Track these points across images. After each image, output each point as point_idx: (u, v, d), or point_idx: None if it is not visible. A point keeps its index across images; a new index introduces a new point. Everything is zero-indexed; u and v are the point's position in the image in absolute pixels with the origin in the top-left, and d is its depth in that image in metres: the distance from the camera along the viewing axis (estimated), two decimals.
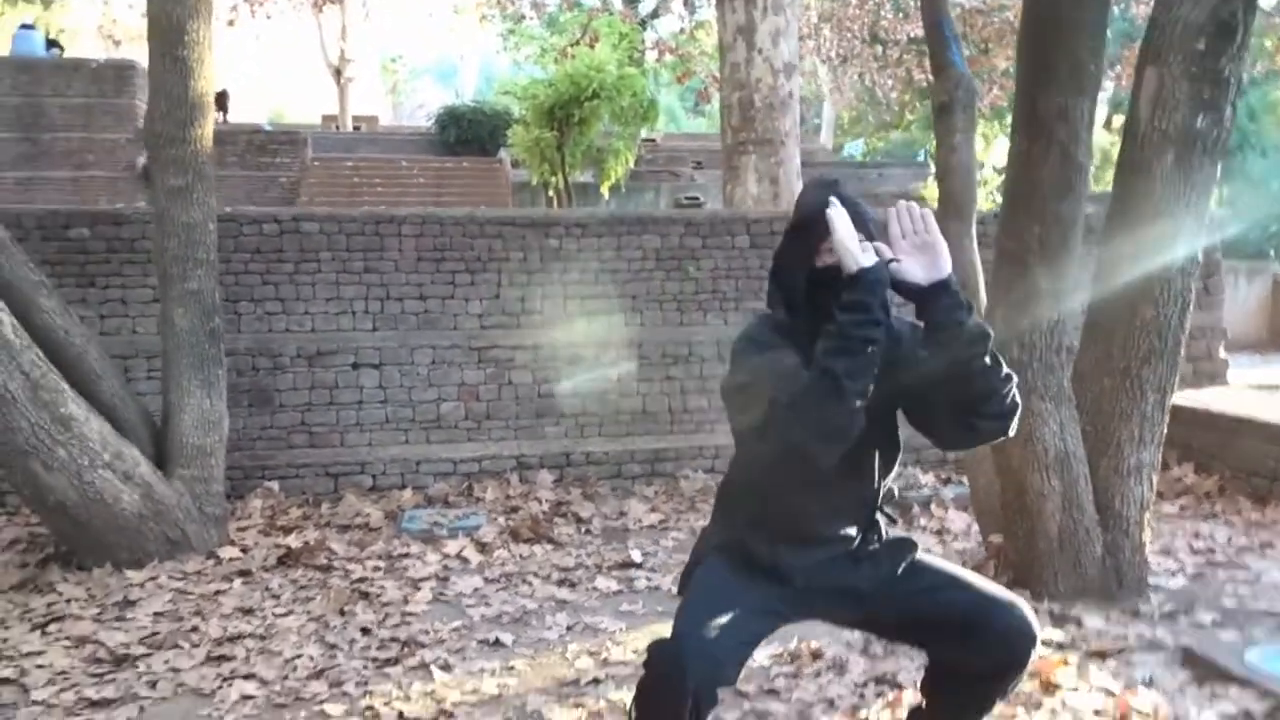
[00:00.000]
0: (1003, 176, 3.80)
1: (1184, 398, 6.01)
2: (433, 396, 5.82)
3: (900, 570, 2.19)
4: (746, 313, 6.10)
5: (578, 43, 16.73)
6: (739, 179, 10.65)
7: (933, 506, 5.20)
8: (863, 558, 2.18)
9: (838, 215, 1.98)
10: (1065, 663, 3.11)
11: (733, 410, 2.19)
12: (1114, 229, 3.82)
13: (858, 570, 2.17)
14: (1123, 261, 3.76)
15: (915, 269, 1.98)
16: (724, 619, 2.07)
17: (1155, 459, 3.89)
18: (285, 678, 3.16)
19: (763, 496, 2.15)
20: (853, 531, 2.18)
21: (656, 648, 2.07)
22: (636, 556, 4.50)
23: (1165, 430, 3.90)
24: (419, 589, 4.06)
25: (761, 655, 3.27)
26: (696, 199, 15.48)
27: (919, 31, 16.93)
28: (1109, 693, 2.93)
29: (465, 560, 4.48)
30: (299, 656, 3.32)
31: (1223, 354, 6.70)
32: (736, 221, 6.09)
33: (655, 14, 23.93)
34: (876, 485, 2.19)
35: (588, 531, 5.03)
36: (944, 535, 4.84)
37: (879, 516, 2.22)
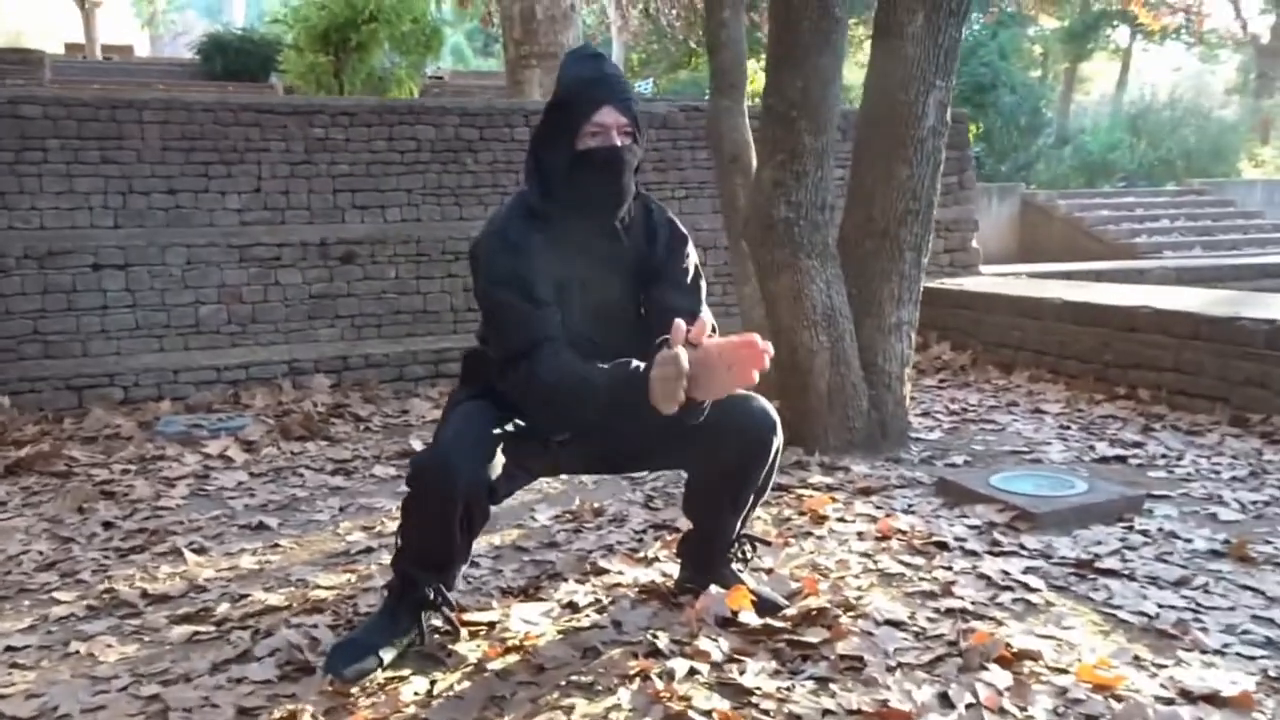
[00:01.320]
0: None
1: (941, 283, 6.41)
2: (189, 300, 5.35)
3: None
4: None
5: None
6: (523, 93, 10.42)
7: None
8: None
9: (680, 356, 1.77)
10: (833, 499, 3.24)
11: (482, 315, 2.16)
12: (870, 93, 3.95)
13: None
14: (880, 124, 3.90)
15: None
16: (486, 436, 1.98)
17: (914, 316, 4.10)
18: (8, 573, 2.81)
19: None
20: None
21: (420, 457, 1.99)
22: (418, 445, 4.33)
23: (922, 288, 4.12)
24: (174, 486, 3.74)
25: (543, 516, 3.22)
26: None
27: None
28: (872, 519, 3.07)
29: (229, 459, 4.16)
30: (25, 553, 2.97)
31: (974, 244, 7.19)
32: (515, 113, 5.91)
33: None
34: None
35: (366, 429, 4.81)
36: None
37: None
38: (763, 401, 2.14)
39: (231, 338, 5.42)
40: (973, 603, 2.36)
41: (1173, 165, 17.87)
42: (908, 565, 2.66)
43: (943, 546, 2.80)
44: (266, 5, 29.39)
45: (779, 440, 2.15)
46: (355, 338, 5.64)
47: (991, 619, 2.26)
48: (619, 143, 2.00)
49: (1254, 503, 3.18)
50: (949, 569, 2.61)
